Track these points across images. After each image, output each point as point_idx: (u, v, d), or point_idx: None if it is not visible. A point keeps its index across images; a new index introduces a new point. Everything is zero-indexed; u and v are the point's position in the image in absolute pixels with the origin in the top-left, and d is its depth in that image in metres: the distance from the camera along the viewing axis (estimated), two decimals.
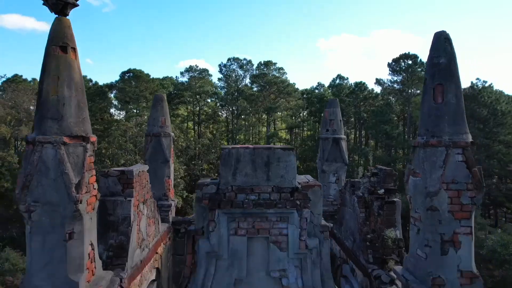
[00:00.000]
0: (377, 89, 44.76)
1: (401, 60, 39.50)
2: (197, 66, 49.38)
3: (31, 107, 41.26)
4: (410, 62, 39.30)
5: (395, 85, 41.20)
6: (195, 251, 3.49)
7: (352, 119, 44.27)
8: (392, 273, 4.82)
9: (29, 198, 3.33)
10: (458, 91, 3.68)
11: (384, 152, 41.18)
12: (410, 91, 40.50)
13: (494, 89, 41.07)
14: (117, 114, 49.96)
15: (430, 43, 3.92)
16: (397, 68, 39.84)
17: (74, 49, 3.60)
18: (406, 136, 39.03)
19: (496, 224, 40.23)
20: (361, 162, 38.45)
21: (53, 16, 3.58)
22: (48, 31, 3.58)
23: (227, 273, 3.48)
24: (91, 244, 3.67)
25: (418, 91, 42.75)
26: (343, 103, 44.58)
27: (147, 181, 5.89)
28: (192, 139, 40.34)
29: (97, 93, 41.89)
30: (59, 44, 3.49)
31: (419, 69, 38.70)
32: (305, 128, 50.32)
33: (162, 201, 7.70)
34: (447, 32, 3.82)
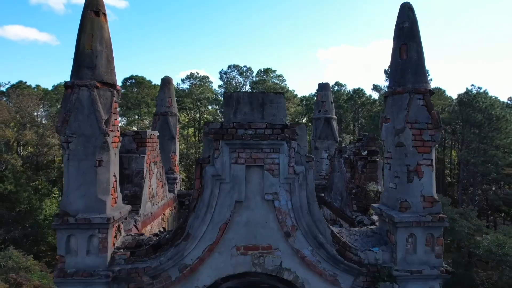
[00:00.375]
0: (375, 95, 45.82)
1: None
2: (198, 73, 50.51)
3: (35, 113, 42.28)
4: None
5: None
6: (203, 177, 4.23)
7: (351, 125, 45.14)
8: (373, 217, 5.55)
9: (67, 130, 4.09)
10: (419, 49, 4.48)
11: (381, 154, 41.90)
12: None
13: (489, 95, 42.00)
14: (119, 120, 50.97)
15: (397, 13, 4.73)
16: None
17: (104, 14, 4.42)
18: None
19: (495, 229, 40.50)
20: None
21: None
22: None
23: (229, 195, 4.20)
24: (114, 176, 4.41)
25: None
26: (342, 109, 45.58)
27: (157, 145, 6.66)
28: (193, 142, 41.13)
29: None
30: (93, 9, 4.32)
31: None
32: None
33: (168, 174, 8.43)
34: (410, 3, 4.65)
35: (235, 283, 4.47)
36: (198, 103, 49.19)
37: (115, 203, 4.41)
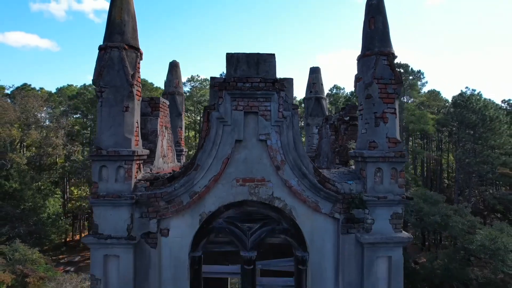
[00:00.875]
0: None
1: None
2: (199, 76, 51.80)
3: (39, 114, 43.40)
4: (401, 70, 41.60)
5: None
6: (209, 120, 5.23)
7: None
8: (351, 167, 6.55)
9: (101, 82, 5.13)
10: (384, 21, 5.54)
11: None
12: (402, 98, 42.65)
13: (483, 97, 43.14)
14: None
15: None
16: None
17: None
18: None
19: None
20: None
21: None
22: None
23: (230, 135, 5.20)
24: (137, 122, 5.44)
25: (411, 100, 45.04)
26: (340, 111, 46.55)
27: (168, 113, 7.70)
28: (194, 144, 42.15)
29: None
30: None
31: (410, 77, 41.03)
32: (303, 137, 52.40)
33: (176, 146, 9.44)
34: None
35: (235, 212, 5.46)
36: (199, 106, 50.41)
37: (137, 144, 5.42)
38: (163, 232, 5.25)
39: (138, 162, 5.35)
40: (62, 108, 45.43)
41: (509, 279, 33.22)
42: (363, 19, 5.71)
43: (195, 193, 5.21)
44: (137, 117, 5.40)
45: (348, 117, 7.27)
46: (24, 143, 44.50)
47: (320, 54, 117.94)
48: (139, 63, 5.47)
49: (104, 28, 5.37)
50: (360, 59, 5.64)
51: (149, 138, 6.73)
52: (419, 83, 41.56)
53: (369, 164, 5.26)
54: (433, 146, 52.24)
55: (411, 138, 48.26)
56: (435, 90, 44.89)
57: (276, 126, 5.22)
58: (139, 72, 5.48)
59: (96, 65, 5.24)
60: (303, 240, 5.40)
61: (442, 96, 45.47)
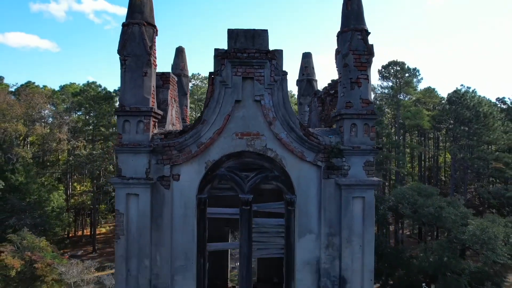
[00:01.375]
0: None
1: (390, 67, 43.11)
2: (199, 74, 52.99)
3: (43, 111, 44.55)
4: (398, 68, 42.88)
5: (385, 90, 44.64)
6: (213, 84, 6.33)
7: None
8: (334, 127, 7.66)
9: (125, 52, 6.26)
10: (359, 3, 6.65)
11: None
12: (399, 95, 43.86)
13: (477, 94, 44.25)
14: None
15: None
16: (387, 74, 43.40)
17: None
18: (396, 137, 42.03)
19: None
20: None
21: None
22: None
23: (231, 96, 6.30)
24: (153, 86, 6.56)
25: (407, 97, 46.19)
26: (326, 86, 47.67)
27: (176, 87, 8.82)
28: None
29: (105, 98, 45.19)
30: None
31: (407, 75, 42.21)
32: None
33: (182, 122, 10.55)
34: None
35: (234, 162, 6.57)
36: (200, 103, 51.59)
37: (153, 104, 6.53)
38: (174, 177, 6.37)
39: (154, 119, 6.47)
40: (65, 106, 46.53)
41: (500, 268, 34.39)
42: (342, 2, 6.84)
43: (201, 144, 6.33)
44: (153, 82, 6.52)
45: (333, 91, 8.38)
46: (28, 139, 45.64)
47: (320, 54, 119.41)
48: (155, 38, 6.60)
49: (126, 10, 6.51)
50: (339, 35, 6.77)
51: (161, 106, 7.85)
52: (415, 80, 42.70)
53: (346, 121, 6.38)
54: (430, 144, 53.34)
55: (408, 135, 49.38)
56: (430, 87, 46.13)
57: (268, 88, 6.34)
58: (155, 45, 6.61)
59: (120, 38, 6.37)
60: (291, 185, 6.51)
61: (437, 94, 46.65)
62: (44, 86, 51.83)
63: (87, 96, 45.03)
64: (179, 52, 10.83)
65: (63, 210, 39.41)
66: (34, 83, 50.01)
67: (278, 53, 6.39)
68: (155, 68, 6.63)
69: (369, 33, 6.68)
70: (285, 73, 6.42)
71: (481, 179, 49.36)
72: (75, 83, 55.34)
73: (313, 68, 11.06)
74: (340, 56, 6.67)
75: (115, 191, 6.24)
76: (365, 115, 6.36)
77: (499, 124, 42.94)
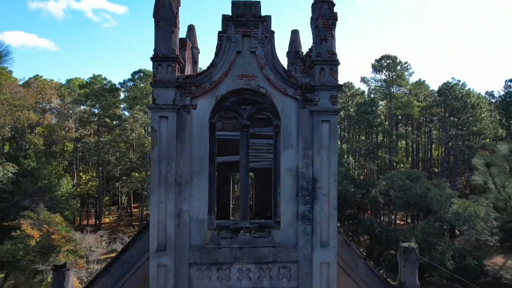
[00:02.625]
0: (363, 87, 50.93)
1: (383, 60, 45.78)
2: (200, 68, 55.50)
3: (53, 102, 47.18)
4: (390, 61, 45.54)
5: (378, 83, 47.36)
6: (221, 40, 8.88)
7: (342, 114, 49.98)
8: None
9: (158, 16, 8.84)
10: None
11: (366, 139, 46.76)
12: (391, 88, 46.55)
13: (466, 87, 46.92)
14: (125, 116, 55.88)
15: None
16: (379, 67, 46.10)
17: None
18: (388, 126, 44.68)
19: None
20: (343, 147, 43.83)
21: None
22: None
23: (234, 48, 8.84)
24: (177, 42, 9.12)
25: (399, 89, 48.91)
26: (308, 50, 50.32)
27: (191, 51, 11.39)
28: None
29: (110, 90, 47.87)
30: None
31: (398, 67, 44.89)
32: None
33: None
34: None
35: (236, 98, 9.14)
36: None
37: (178, 53, 9.09)
38: (193, 106, 8.93)
39: (178, 65, 9.04)
40: (71, 98, 49.12)
41: (482, 244, 37.05)
42: None
43: (213, 82, 8.90)
44: (177, 39, 9.09)
45: (311, 54, 10.96)
46: (36, 130, 48.19)
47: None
48: (179, 6, 9.18)
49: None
50: (312, 5, 9.37)
51: (181, 62, 10.42)
52: (406, 73, 45.36)
53: (316, 66, 8.96)
54: (424, 138, 55.96)
55: (400, 125, 52.03)
56: (421, 80, 48.81)
57: (261, 43, 8.93)
58: (179, 12, 9.18)
59: (154, 6, 8.94)
60: (278, 113, 9.07)
61: (428, 86, 49.33)
62: (51, 80, 54.48)
63: (94, 88, 47.67)
64: (191, 29, 13.41)
65: (71, 195, 41.94)
66: (41, 76, 52.63)
67: (268, 18, 8.99)
68: (178, 29, 9.21)
69: (334, 4, 9.26)
70: (273, 32, 9.01)
71: (471, 168, 51.97)
72: (80, 78, 58.02)
73: (299, 42, 13.63)
74: (313, 20, 9.26)
75: (151, 115, 8.81)
76: (330, 61, 8.94)
77: (486, 115, 45.61)
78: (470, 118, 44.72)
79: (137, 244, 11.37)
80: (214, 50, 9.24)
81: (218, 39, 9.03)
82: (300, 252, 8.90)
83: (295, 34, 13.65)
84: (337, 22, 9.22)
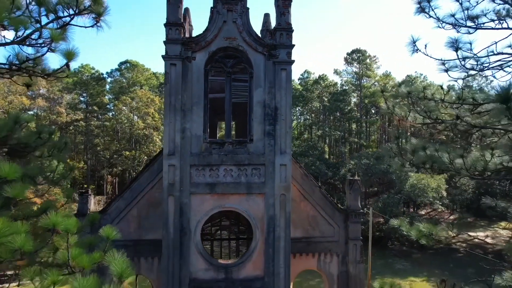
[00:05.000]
0: (336, 79, 56.29)
1: (354, 54, 51.08)
2: None
3: (41, 89, 49.96)
4: (360, 55, 50.90)
5: (349, 75, 52.73)
6: (212, 13, 13.16)
7: (317, 104, 55.13)
8: None
9: None
10: None
11: (339, 125, 52.03)
12: (362, 80, 51.95)
13: (428, 80, 52.89)
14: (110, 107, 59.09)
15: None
16: (351, 60, 51.43)
17: None
18: (358, 113, 49.99)
19: None
20: (321, 133, 48.89)
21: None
22: None
23: (221, 19, 13.11)
24: (182, 14, 13.41)
25: (369, 81, 54.45)
26: (309, 91, 55.58)
27: (188, 24, 15.67)
28: None
29: (98, 79, 51.12)
30: None
31: (367, 60, 50.30)
32: None
33: None
34: None
35: (223, 53, 13.50)
36: None
37: (183, 21, 13.36)
38: (193, 58, 13.23)
39: (183, 29, 13.30)
40: (61, 86, 52.05)
41: (441, 219, 42.88)
42: None
43: (207, 41, 13.24)
44: (182, 11, 13.36)
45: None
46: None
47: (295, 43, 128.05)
48: None
49: None
50: None
51: None
52: (374, 66, 50.84)
53: (277, 32, 13.45)
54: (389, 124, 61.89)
55: (373, 113, 57.68)
56: (387, 71, 54.59)
57: (240, 15, 13.34)
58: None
59: None
60: (251, 64, 13.49)
61: (394, 78, 55.19)
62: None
63: (82, 77, 50.82)
64: (187, 11, 17.65)
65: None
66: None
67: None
68: (182, 5, 13.49)
69: None
70: (248, 8, 13.46)
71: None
72: None
73: (270, 22, 18.13)
74: (276, 1, 13.77)
75: (164, 63, 13.05)
76: (287, 29, 13.45)
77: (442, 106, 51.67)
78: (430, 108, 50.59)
79: (145, 174, 15.62)
80: (203, 28, 13.59)
81: (210, 12, 13.40)
82: (267, 158, 13.34)
83: (266, 16, 18.16)
84: (292, 2, 13.77)
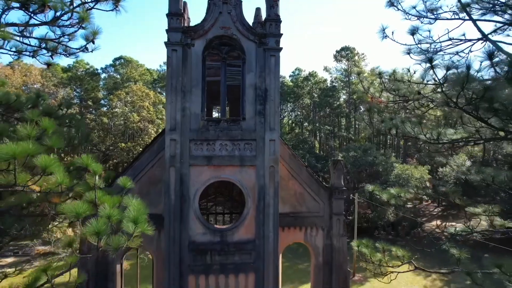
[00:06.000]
0: (326, 75, 58.44)
1: (342, 51, 53.19)
2: None
3: (37, 84, 51.01)
4: (349, 52, 53.02)
5: (338, 72, 54.87)
6: (210, 4, 14.87)
7: (308, 100, 57.15)
8: None
9: None
10: None
11: (328, 120, 54.15)
12: (350, 77, 54.08)
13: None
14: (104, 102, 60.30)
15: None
16: (340, 57, 53.56)
17: None
18: (347, 109, 52.10)
19: None
20: (311, 128, 50.85)
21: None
22: None
23: (217, 10, 14.87)
24: (182, 5, 15.13)
25: (357, 77, 56.72)
26: (299, 87, 57.62)
27: (188, 15, 17.39)
28: None
29: (92, 74, 52.36)
30: None
31: (356, 57, 52.46)
32: None
33: None
34: None
35: (218, 41, 15.25)
36: None
37: (183, 11, 15.07)
38: (192, 44, 14.94)
39: (183, 18, 15.00)
40: (56, 80, 53.16)
41: (426, 212, 45.12)
42: None
43: (204, 30, 14.98)
44: (182, 2, 15.07)
45: None
46: None
47: (283, 38, 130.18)
48: None
49: None
50: None
51: None
52: (362, 63, 53.04)
53: (267, 22, 15.25)
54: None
55: (359, 109, 60.01)
56: (374, 68, 56.81)
57: (234, 7, 15.10)
58: None
59: None
60: (244, 51, 15.26)
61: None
62: (31, 65, 58.00)
63: (76, 73, 52.00)
64: (185, 5, 19.36)
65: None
66: (22, 60, 56.16)
67: None
68: None
69: None
70: (241, 1, 15.23)
71: (420, 150, 60.64)
72: (59, 64, 61.75)
73: (261, 16, 19.94)
74: None
75: (166, 48, 14.73)
76: (276, 20, 15.26)
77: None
78: (416, 103, 52.98)
79: (145, 154, 17.25)
80: (198, 22, 15.30)
81: (207, 4, 15.15)
82: (257, 134, 15.12)
83: (258, 10, 19.95)
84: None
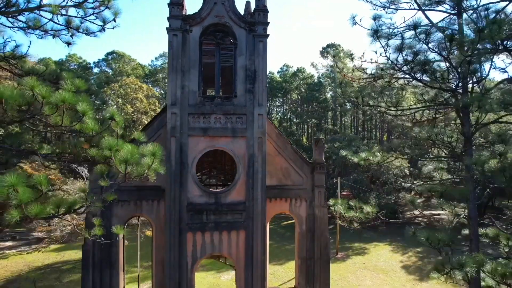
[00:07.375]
0: (313, 71, 61.30)
1: (328, 48, 56.01)
2: None
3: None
4: (334, 49, 55.85)
5: (324, 69, 57.73)
6: (204, 1, 17.22)
7: (296, 96, 59.82)
8: None
9: None
10: None
11: (316, 114, 56.94)
12: (336, 74, 56.87)
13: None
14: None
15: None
16: (326, 54, 56.38)
17: None
18: (332, 104, 54.94)
19: None
20: (299, 121, 53.48)
21: None
22: None
23: (212, 1, 17.25)
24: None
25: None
26: (287, 83, 60.26)
27: (185, 6, 19.71)
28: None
29: (85, 68, 53.98)
30: None
31: (341, 54, 55.31)
32: None
33: None
34: None
35: (214, 28, 17.60)
36: None
37: (182, 6, 17.36)
38: (190, 31, 17.25)
39: (183, 8, 17.30)
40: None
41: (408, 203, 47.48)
42: None
43: (201, 17, 17.31)
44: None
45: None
46: None
47: (270, 33, 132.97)
48: None
49: None
50: None
51: None
52: (348, 60, 55.93)
53: (256, 12, 17.67)
54: (361, 113, 67.49)
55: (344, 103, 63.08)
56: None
57: (227, 3, 17.47)
58: None
59: None
60: (236, 37, 17.64)
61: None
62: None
63: (69, 66, 53.55)
64: None
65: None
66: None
67: None
68: None
69: None
70: None
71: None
72: (51, 58, 63.10)
73: (251, 8, 22.36)
74: None
75: (168, 34, 16.99)
76: (263, 9, 17.68)
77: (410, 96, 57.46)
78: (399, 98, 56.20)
79: (156, 122, 19.31)
80: (194, 10, 17.60)
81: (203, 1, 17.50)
82: (248, 109, 17.51)
83: (248, 3, 22.40)
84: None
